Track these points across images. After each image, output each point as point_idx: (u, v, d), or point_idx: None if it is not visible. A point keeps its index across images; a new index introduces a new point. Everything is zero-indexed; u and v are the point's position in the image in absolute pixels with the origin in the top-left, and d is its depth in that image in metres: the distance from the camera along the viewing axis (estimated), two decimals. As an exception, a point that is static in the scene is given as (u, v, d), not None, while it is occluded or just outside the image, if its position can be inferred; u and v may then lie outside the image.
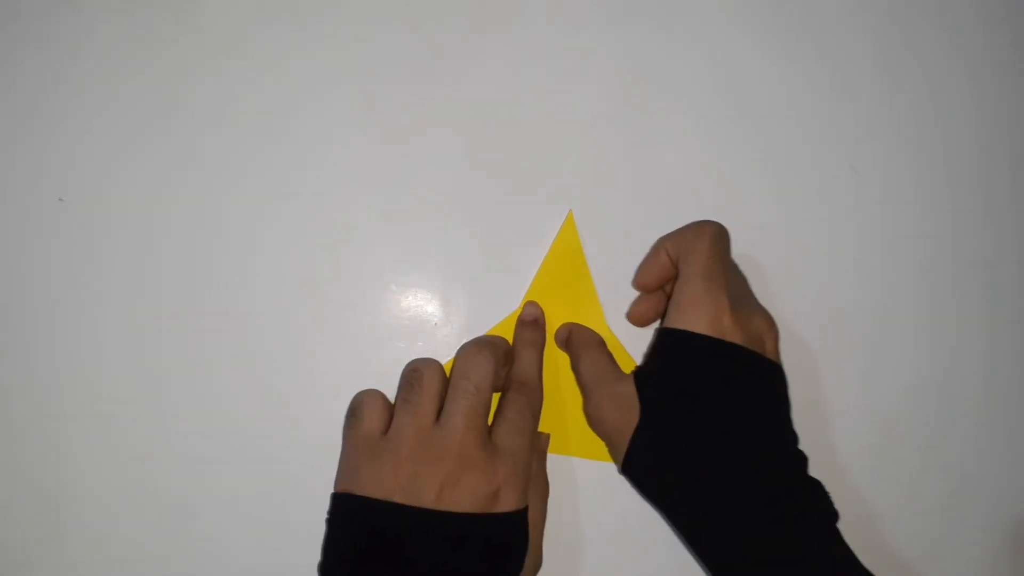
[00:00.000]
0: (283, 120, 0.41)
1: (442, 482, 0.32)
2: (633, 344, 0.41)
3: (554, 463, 0.40)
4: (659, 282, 0.39)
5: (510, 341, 0.40)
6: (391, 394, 0.39)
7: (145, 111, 0.41)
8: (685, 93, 0.43)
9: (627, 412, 0.35)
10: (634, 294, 0.41)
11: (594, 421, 0.37)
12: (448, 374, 0.36)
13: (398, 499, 0.32)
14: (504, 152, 0.42)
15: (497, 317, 0.41)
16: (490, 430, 0.35)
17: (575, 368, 0.39)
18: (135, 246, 0.40)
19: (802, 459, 0.34)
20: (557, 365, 0.40)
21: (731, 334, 0.34)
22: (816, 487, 0.34)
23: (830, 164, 0.43)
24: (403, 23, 0.42)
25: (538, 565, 0.37)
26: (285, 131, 0.41)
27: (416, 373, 0.35)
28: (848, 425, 0.41)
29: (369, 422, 0.35)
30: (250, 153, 0.41)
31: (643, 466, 0.35)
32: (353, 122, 0.41)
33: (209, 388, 0.40)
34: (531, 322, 0.40)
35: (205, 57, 0.41)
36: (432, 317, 0.41)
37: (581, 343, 0.39)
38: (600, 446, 0.38)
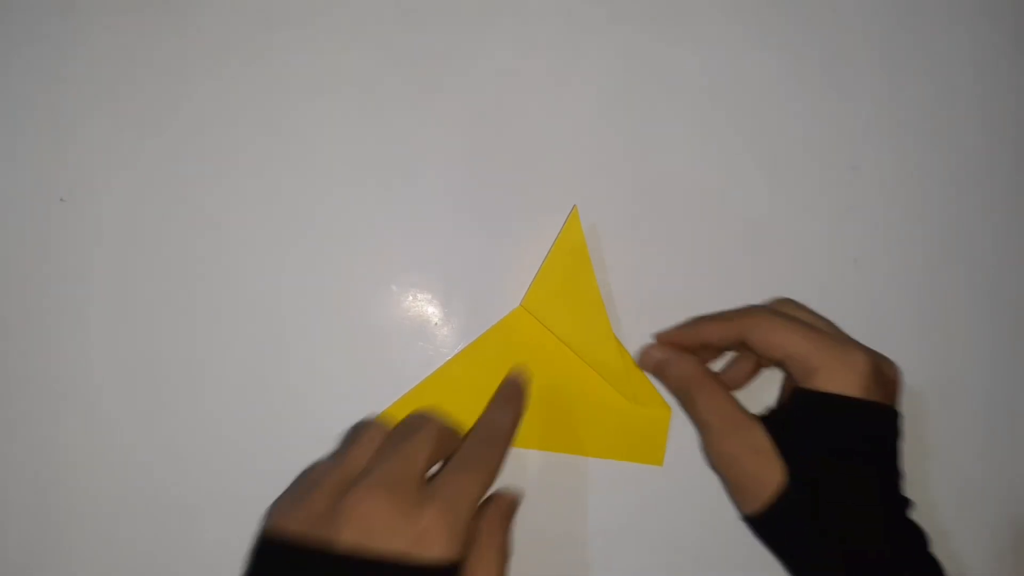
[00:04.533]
0: (283, 120, 0.41)
1: (360, 518, 0.29)
2: (633, 343, 0.41)
3: (556, 463, 0.40)
4: (720, 343, 0.38)
5: (509, 341, 0.40)
6: (392, 397, 0.39)
7: (145, 111, 0.41)
8: (685, 92, 0.43)
9: (767, 465, 0.34)
10: (634, 293, 0.41)
11: (722, 462, 0.36)
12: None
13: (312, 533, 0.30)
14: (505, 151, 0.41)
15: (498, 317, 0.41)
16: (432, 477, 0.32)
17: (689, 402, 0.38)
18: (135, 246, 0.40)
19: (924, 535, 0.35)
20: (576, 360, 0.40)
21: (876, 392, 0.34)
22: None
23: (830, 164, 0.43)
24: (404, 20, 0.42)
25: None
26: (285, 131, 0.41)
27: (352, 429, 0.36)
28: (848, 425, 0.41)
29: (313, 471, 0.33)
30: (250, 153, 0.41)
31: (783, 525, 0.34)
32: (353, 121, 0.41)
33: (209, 388, 0.40)
34: (519, 381, 0.39)
35: (205, 57, 0.41)
36: (432, 317, 0.41)
37: (695, 378, 0.38)
38: (612, 446, 0.38)
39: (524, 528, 0.39)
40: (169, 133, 0.41)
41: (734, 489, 0.36)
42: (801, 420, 0.35)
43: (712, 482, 0.39)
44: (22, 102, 0.40)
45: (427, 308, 0.41)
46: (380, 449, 0.33)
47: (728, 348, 0.40)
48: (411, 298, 0.41)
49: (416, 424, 0.34)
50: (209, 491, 0.40)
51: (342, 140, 0.41)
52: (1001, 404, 0.43)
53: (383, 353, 0.40)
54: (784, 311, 0.38)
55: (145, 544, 0.40)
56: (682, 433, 0.40)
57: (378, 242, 0.41)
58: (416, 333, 0.41)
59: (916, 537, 0.34)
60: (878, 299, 0.42)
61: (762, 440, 0.35)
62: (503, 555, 0.32)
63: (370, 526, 0.29)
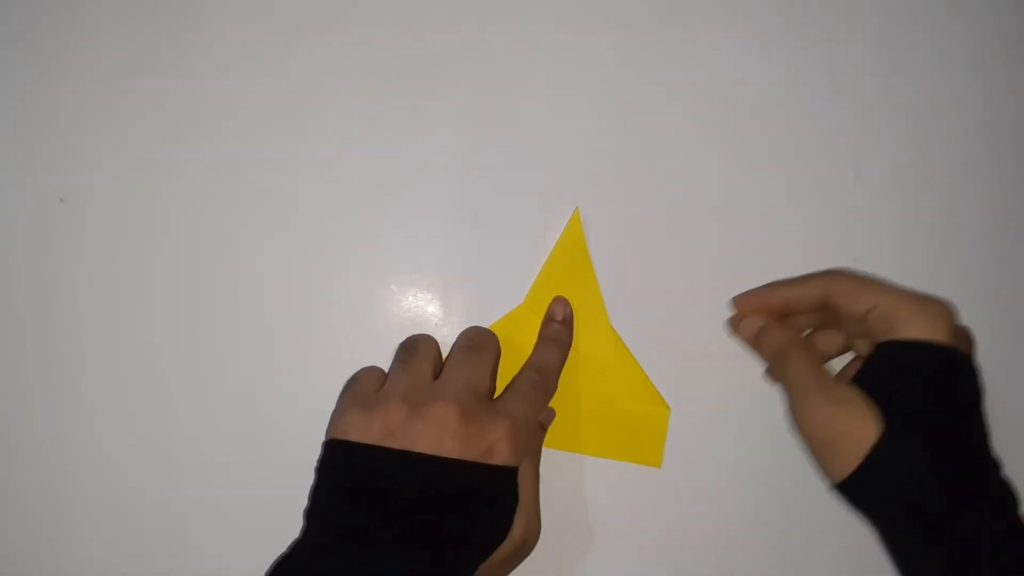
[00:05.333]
0: (283, 120, 0.41)
1: (437, 429, 0.32)
2: (636, 344, 0.41)
3: (556, 463, 0.40)
4: (783, 308, 0.39)
5: (512, 337, 0.40)
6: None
7: (145, 112, 0.41)
8: (685, 92, 0.42)
9: (861, 421, 0.33)
10: (635, 294, 0.41)
11: (814, 425, 0.35)
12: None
13: (389, 443, 0.32)
14: (505, 151, 0.41)
15: (498, 316, 0.41)
16: (496, 399, 0.36)
17: (782, 368, 0.38)
18: (135, 246, 0.40)
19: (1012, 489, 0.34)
20: (576, 359, 0.40)
21: (960, 342, 0.34)
22: None
23: (830, 164, 0.43)
24: (404, 21, 0.42)
25: (536, 533, 0.36)
26: (285, 131, 0.41)
27: (411, 341, 0.37)
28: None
29: (365, 385, 0.36)
30: (250, 153, 0.41)
31: (878, 484, 0.33)
32: (353, 122, 0.41)
33: (208, 388, 0.40)
34: (560, 320, 0.40)
35: (205, 58, 0.41)
36: (432, 317, 0.41)
37: (787, 343, 0.38)
38: (611, 444, 0.38)
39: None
40: (169, 133, 0.41)
41: (825, 453, 0.35)
42: (890, 373, 0.34)
43: (712, 482, 0.40)
44: (22, 102, 0.40)
45: (427, 308, 0.41)
46: (453, 361, 0.36)
47: (810, 310, 0.39)
48: (411, 298, 0.41)
49: (482, 342, 0.37)
50: (209, 491, 0.40)
51: (342, 140, 0.41)
52: (1001, 404, 0.43)
53: (383, 353, 0.40)
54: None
55: (150, 542, 0.40)
56: (681, 433, 0.40)
57: (378, 242, 0.41)
58: (416, 333, 0.41)
59: (1011, 499, 0.33)
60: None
61: (855, 398, 0.34)
62: (539, 457, 0.38)
63: (446, 436, 0.32)
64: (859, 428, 0.33)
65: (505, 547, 0.34)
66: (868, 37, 0.44)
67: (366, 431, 0.33)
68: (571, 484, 0.41)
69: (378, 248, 0.41)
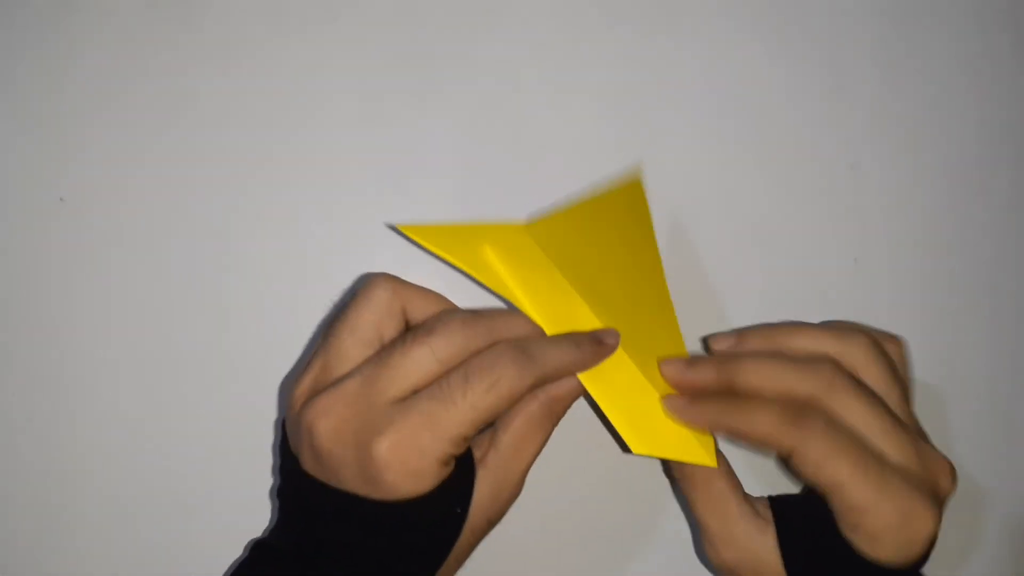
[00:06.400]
0: (283, 119, 0.41)
1: (311, 442, 0.28)
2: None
3: (554, 463, 0.40)
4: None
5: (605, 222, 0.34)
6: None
7: (145, 111, 0.41)
8: (685, 92, 0.42)
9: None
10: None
11: (723, 572, 0.31)
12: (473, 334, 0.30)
13: (292, 446, 0.29)
14: (505, 151, 0.42)
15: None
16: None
17: (690, 502, 0.32)
18: (135, 246, 0.40)
19: None
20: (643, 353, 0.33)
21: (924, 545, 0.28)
22: None
23: (830, 164, 0.43)
24: (404, 20, 0.42)
25: (507, 490, 0.31)
26: (285, 130, 0.41)
27: (427, 329, 0.29)
28: (848, 425, 0.41)
29: (339, 355, 0.29)
30: (250, 152, 0.41)
31: None
32: (353, 121, 0.41)
33: (208, 387, 0.40)
34: (599, 344, 0.31)
35: (205, 57, 0.41)
36: (432, 317, 0.41)
37: (697, 472, 0.32)
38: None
39: (523, 527, 0.39)
40: (169, 133, 0.41)
41: None
42: (821, 552, 0.29)
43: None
44: (22, 102, 0.41)
45: (427, 308, 0.41)
46: (429, 392, 0.28)
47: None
48: (411, 298, 0.41)
49: (476, 377, 0.28)
50: (208, 491, 0.40)
51: (341, 140, 0.41)
52: (1001, 404, 0.43)
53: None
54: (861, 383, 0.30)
55: (152, 541, 0.40)
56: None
57: (378, 242, 0.41)
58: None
59: None
60: (878, 299, 0.42)
61: (770, 554, 0.30)
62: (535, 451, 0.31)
63: (319, 452, 0.27)
64: None
65: (464, 538, 0.29)
66: (868, 37, 0.44)
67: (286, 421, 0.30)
68: (570, 484, 0.41)
69: (378, 248, 0.41)
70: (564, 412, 0.32)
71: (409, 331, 0.29)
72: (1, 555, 0.39)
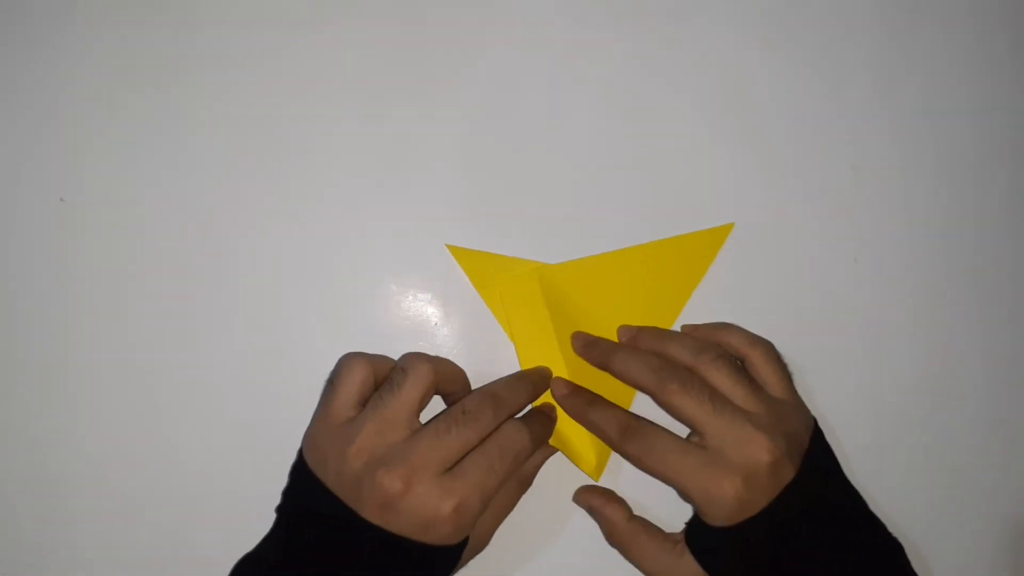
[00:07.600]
0: (283, 119, 0.41)
1: (383, 497, 0.32)
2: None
3: (558, 463, 0.40)
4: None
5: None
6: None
7: (145, 111, 0.41)
8: (686, 92, 0.43)
9: None
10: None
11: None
12: (456, 376, 0.38)
13: (340, 495, 0.33)
14: (506, 151, 0.41)
15: (497, 316, 0.41)
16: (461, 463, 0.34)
17: (625, 555, 0.38)
18: (135, 246, 0.40)
19: None
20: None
21: (755, 501, 0.34)
22: None
23: (830, 164, 0.43)
24: (404, 20, 0.42)
25: (479, 548, 0.37)
26: (285, 131, 0.41)
27: (406, 365, 0.35)
28: (847, 425, 0.41)
29: (342, 400, 0.35)
30: (250, 153, 0.41)
31: None
32: (353, 122, 0.41)
33: (208, 388, 0.40)
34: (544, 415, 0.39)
35: (205, 57, 0.41)
36: (432, 317, 0.41)
37: (625, 532, 0.38)
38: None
39: (522, 527, 0.39)
40: (169, 133, 0.41)
41: None
42: (711, 546, 0.35)
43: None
44: (22, 102, 0.40)
45: (427, 308, 0.41)
46: (433, 428, 0.34)
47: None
48: (411, 298, 0.41)
49: (476, 412, 0.34)
50: (208, 491, 0.40)
51: (342, 140, 0.41)
52: (1000, 404, 0.43)
53: (383, 353, 0.40)
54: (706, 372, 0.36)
55: (152, 540, 0.40)
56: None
57: (378, 242, 0.41)
58: (416, 333, 0.41)
59: None
60: (878, 299, 0.42)
61: (691, 565, 0.35)
62: (524, 490, 0.39)
63: (387, 510, 0.32)
64: None
65: None
66: (868, 37, 0.44)
67: (324, 466, 0.34)
68: (569, 483, 0.41)
69: (378, 248, 0.41)
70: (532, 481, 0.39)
71: (453, 407, 0.35)
72: (1, 555, 0.39)
